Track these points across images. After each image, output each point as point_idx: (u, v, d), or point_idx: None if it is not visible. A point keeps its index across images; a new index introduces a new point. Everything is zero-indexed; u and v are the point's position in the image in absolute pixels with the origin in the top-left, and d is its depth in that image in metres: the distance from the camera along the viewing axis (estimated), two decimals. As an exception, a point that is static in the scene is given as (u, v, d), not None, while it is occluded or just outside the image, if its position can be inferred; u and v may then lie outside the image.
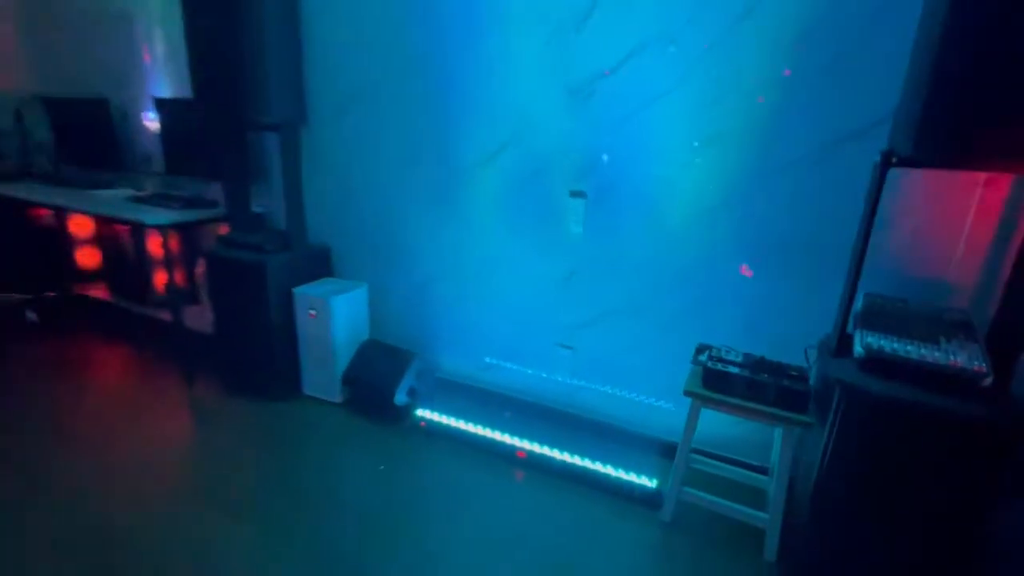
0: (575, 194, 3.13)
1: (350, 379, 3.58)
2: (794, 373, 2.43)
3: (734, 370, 2.46)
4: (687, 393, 2.51)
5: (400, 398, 3.48)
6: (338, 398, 3.66)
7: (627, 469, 2.97)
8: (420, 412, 3.47)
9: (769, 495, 2.55)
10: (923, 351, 2.07)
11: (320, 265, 3.89)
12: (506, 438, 3.22)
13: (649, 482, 2.89)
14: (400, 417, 3.49)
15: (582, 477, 3.00)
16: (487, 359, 3.63)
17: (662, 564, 2.53)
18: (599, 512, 2.81)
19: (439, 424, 3.38)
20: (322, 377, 3.64)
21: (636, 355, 3.20)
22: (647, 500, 2.85)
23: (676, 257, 2.95)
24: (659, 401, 3.18)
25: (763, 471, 2.92)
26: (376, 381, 3.50)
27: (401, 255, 3.73)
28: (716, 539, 2.63)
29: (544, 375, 3.50)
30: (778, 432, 2.65)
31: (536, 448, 3.14)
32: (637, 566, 2.52)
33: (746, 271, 2.82)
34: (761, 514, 2.53)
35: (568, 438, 3.24)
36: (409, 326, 3.84)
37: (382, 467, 3.09)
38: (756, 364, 2.49)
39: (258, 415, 3.54)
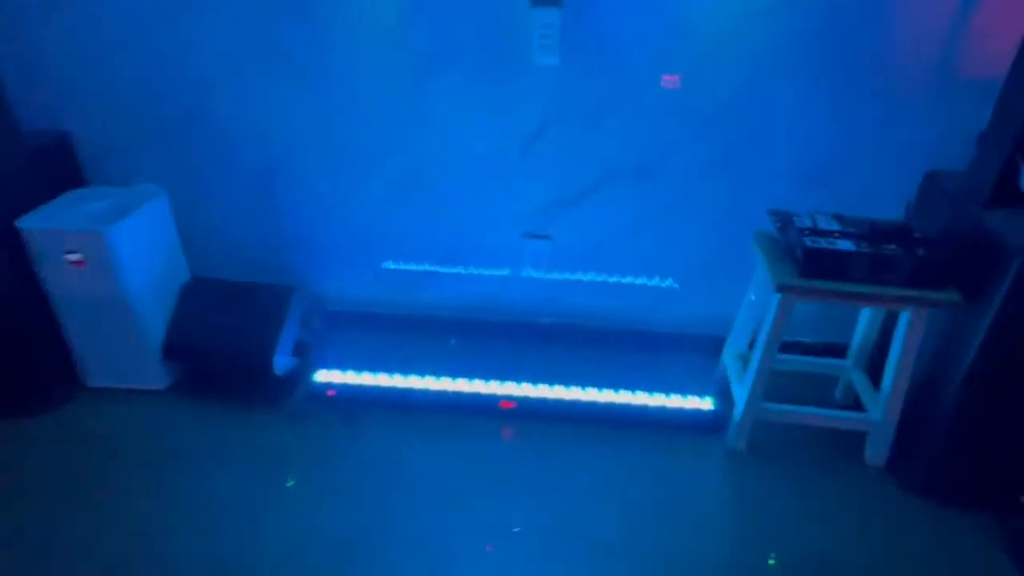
0: (539, 1, 1.91)
1: (178, 348, 2.11)
2: (920, 236, 1.68)
3: (848, 246, 1.68)
4: (781, 288, 1.70)
5: (282, 362, 2.14)
6: (161, 383, 2.17)
7: (661, 390, 2.12)
8: (321, 376, 2.20)
9: (882, 388, 1.82)
10: None
11: (54, 169, 2.16)
12: (478, 386, 2.14)
13: (701, 402, 2.10)
14: (285, 391, 2.16)
15: (605, 416, 2.08)
16: (412, 266, 2.35)
17: (747, 500, 1.84)
18: (644, 458, 1.94)
19: (359, 388, 2.15)
20: (122, 356, 2.10)
21: (643, 238, 2.24)
22: (702, 427, 2.05)
23: (703, 85, 1.95)
24: (665, 282, 2.29)
25: (821, 351, 2.23)
26: (231, 343, 2.08)
27: (218, 131, 2.17)
28: (800, 454, 1.96)
29: (507, 278, 2.37)
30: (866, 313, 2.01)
31: (525, 390, 2.11)
32: (717, 509, 1.82)
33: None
34: (865, 416, 1.90)
35: (562, 362, 2.27)
36: (257, 246, 2.40)
37: (291, 483, 1.84)
38: (870, 232, 1.70)
39: (12, 440, 1.97)
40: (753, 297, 2.04)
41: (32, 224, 1.95)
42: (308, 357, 2.28)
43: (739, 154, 2.07)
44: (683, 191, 2.15)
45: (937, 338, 1.79)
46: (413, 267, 2.39)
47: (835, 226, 1.80)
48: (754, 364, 1.90)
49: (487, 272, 2.40)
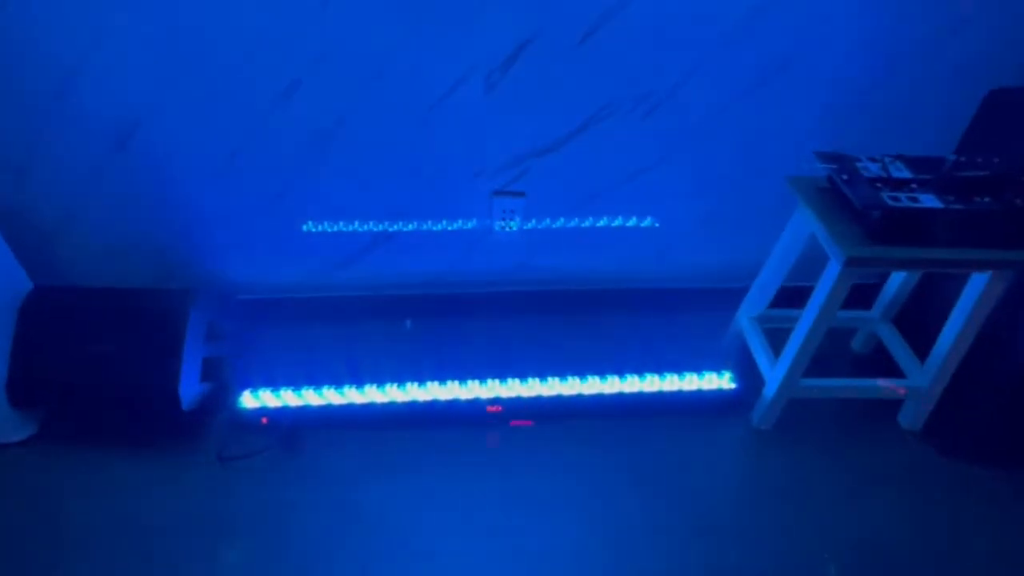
0: None
1: (30, 389, 1.43)
2: (1014, 177, 1.27)
3: (934, 202, 1.26)
4: (851, 261, 1.27)
5: (189, 392, 1.49)
6: (19, 432, 1.48)
7: (669, 363, 1.70)
8: (246, 400, 1.60)
9: (934, 352, 1.50)
10: None
11: None
12: (455, 389, 1.61)
13: (719, 379, 1.68)
14: (200, 429, 1.56)
15: (613, 408, 1.66)
16: (345, 235, 1.73)
17: (782, 485, 1.52)
18: (663, 453, 1.58)
19: (300, 411, 1.56)
20: None
21: (641, 181, 1.70)
22: (722, 408, 1.69)
23: None
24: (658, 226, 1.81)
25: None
26: (113, 377, 1.44)
27: (33, 69, 1.37)
28: (829, 425, 1.65)
29: (470, 243, 1.80)
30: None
31: (511, 389, 1.61)
32: (753, 498, 1.51)
33: None
34: (911, 382, 1.58)
35: (548, 339, 1.80)
36: (124, 234, 1.66)
37: (232, 552, 1.34)
38: (950, 178, 1.29)
39: None
40: (783, 252, 1.59)
41: None
42: (223, 378, 1.66)
43: (769, 77, 1.52)
44: (695, 125, 1.61)
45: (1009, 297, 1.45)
46: (341, 228, 1.72)
47: (906, 172, 1.36)
48: (797, 342, 1.51)
49: (443, 230, 1.76)
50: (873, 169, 1.40)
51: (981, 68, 1.56)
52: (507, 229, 1.81)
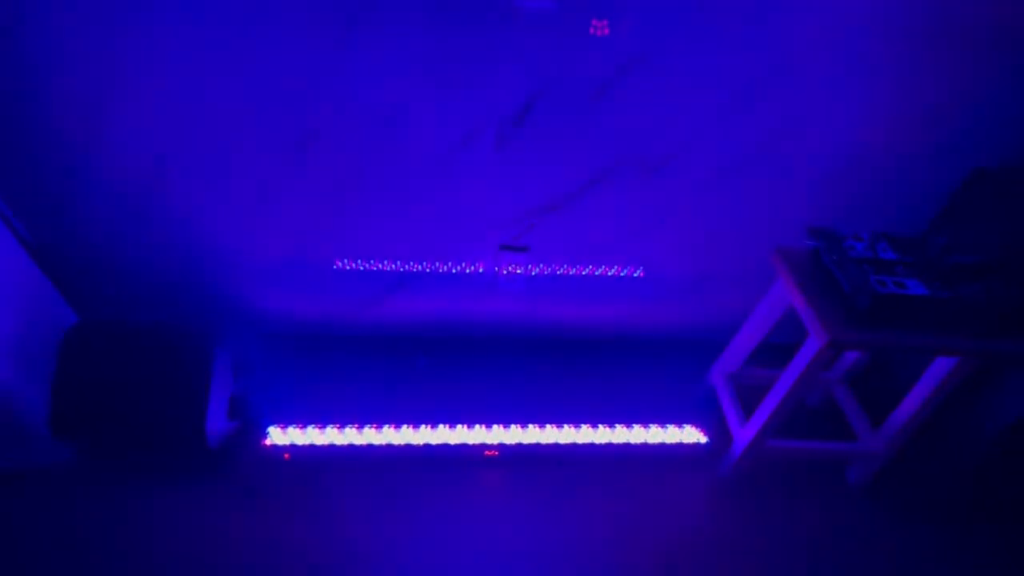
0: None
1: (68, 421, 1.36)
2: (1000, 268, 1.22)
3: (920, 289, 1.18)
4: (834, 344, 1.18)
5: (216, 428, 1.42)
6: (57, 456, 1.45)
7: (654, 420, 1.67)
8: (272, 437, 1.50)
9: (890, 422, 1.50)
10: None
11: None
12: (461, 433, 1.56)
13: (694, 433, 1.66)
14: (226, 465, 1.48)
15: (596, 456, 1.62)
16: (362, 288, 1.70)
17: (740, 532, 1.51)
18: (638, 496, 1.55)
19: (318, 450, 1.50)
20: None
21: (639, 241, 1.66)
22: (695, 460, 1.66)
23: (731, 60, 1.33)
24: (646, 281, 1.77)
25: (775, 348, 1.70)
26: (146, 411, 1.37)
27: (67, 119, 1.32)
28: (785, 477, 1.64)
29: (473, 295, 1.76)
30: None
31: (513, 436, 1.58)
32: (714, 542, 1.48)
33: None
34: (865, 446, 1.55)
35: (543, 386, 1.74)
36: (156, 270, 1.60)
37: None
38: (938, 263, 1.24)
39: None
40: (762, 317, 1.54)
41: None
42: (249, 415, 1.56)
43: (762, 148, 1.47)
44: (690, 190, 1.53)
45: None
46: (363, 268, 1.67)
47: (891, 253, 1.27)
48: (769, 406, 1.41)
49: (453, 282, 1.72)
50: (859, 248, 1.28)
51: (963, 148, 1.47)
52: (511, 279, 1.72)
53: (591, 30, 1.26)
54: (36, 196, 1.41)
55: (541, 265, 1.70)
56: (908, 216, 1.58)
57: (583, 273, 1.72)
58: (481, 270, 1.69)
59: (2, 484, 1.42)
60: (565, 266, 1.70)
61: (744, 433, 1.52)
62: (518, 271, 1.68)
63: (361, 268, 1.67)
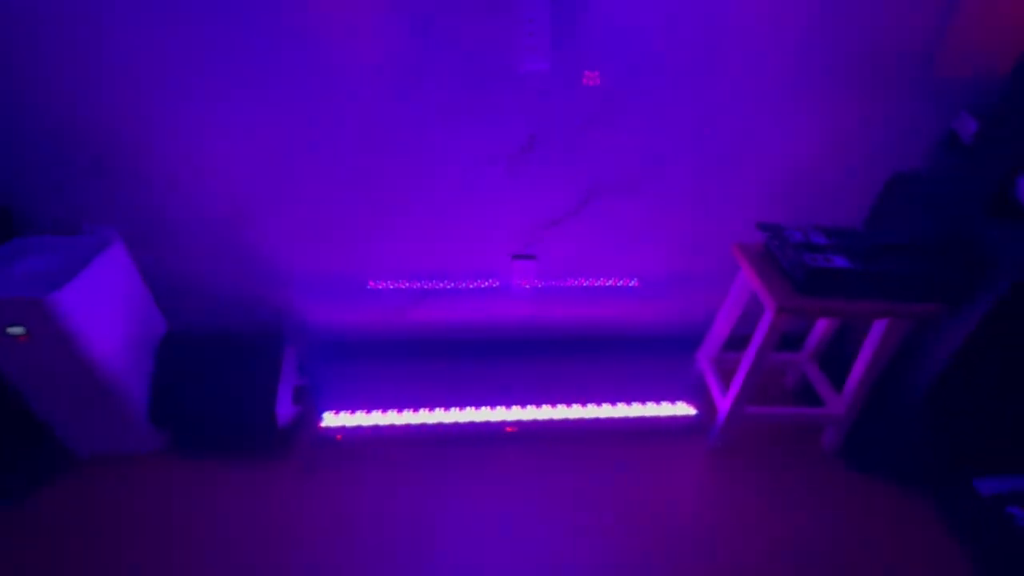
0: None
1: (166, 412, 1.66)
2: (909, 248, 1.52)
3: (844, 263, 1.47)
4: (782, 309, 1.47)
5: (283, 412, 1.72)
6: (152, 444, 1.72)
7: (647, 393, 1.93)
8: (327, 420, 1.79)
9: (847, 386, 1.75)
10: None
11: None
12: (483, 414, 1.82)
13: (684, 408, 1.91)
14: (290, 442, 1.77)
15: (603, 430, 1.87)
16: (399, 295, 2.00)
17: (728, 493, 1.73)
18: (638, 462, 1.79)
19: (364, 431, 1.78)
20: (104, 423, 1.64)
21: (628, 250, 1.96)
22: (686, 430, 1.91)
23: (686, 97, 1.66)
24: (640, 288, 2.06)
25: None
26: (224, 399, 1.66)
27: (172, 164, 1.67)
28: (767, 445, 1.87)
29: (492, 303, 2.05)
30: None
31: (528, 414, 1.84)
32: (698, 505, 1.69)
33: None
34: (828, 411, 1.79)
35: (554, 376, 1.98)
36: (233, 286, 1.91)
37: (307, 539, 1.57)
38: (859, 245, 1.53)
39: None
40: (731, 305, 1.83)
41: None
42: (309, 402, 1.86)
43: (720, 165, 1.79)
44: (666, 202, 1.85)
45: (905, 340, 1.64)
46: (395, 295, 2.00)
47: (824, 239, 1.57)
48: (741, 375, 1.67)
49: (469, 300, 2.03)
50: (797, 236, 1.57)
51: (883, 157, 1.76)
52: (521, 290, 2.02)
53: (584, 80, 1.61)
54: (147, 228, 1.76)
55: (547, 279, 2.01)
56: (849, 214, 1.88)
57: (584, 284, 2.03)
58: (496, 285, 2.01)
59: (110, 466, 1.71)
60: (568, 278, 2.02)
61: (725, 402, 1.77)
62: (526, 286, 1.98)
63: (391, 287, 1.98)
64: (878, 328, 1.60)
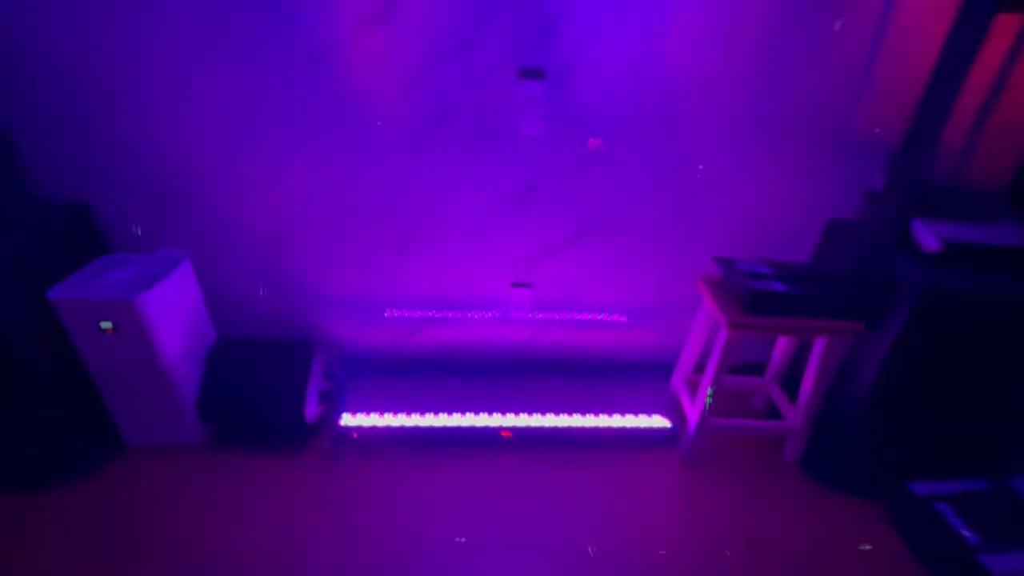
0: (527, 74, 1.87)
1: (212, 406, 1.94)
2: (834, 278, 1.82)
3: (780, 287, 1.77)
4: (732, 325, 1.76)
5: (310, 411, 1.99)
6: (197, 437, 1.99)
7: (629, 411, 2.17)
8: (345, 420, 2.05)
9: (799, 400, 1.99)
10: (997, 236, 1.67)
11: (78, 238, 1.95)
12: (482, 419, 2.08)
13: (660, 421, 2.15)
14: (310, 437, 2.03)
15: (588, 438, 2.11)
16: (412, 314, 2.30)
17: (697, 499, 1.93)
18: (616, 468, 2.02)
19: (377, 431, 2.04)
20: (158, 416, 1.93)
21: (611, 282, 2.27)
22: (661, 441, 2.13)
23: (656, 152, 2.02)
24: (622, 318, 2.35)
25: (742, 370, 2.35)
26: (262, 397, 1.94)
27: (229, 197, 2.03)
28: (734, 457, 2.09)
29: (493, 326, 2.35)
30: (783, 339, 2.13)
31: (522, 421, 2.09)
32: (672, 508, 1.91)
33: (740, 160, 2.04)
34: (786, 424, 2.03)
35: (546, 393, 2.23)
36: (273, 305, 2.23)
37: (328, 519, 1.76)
38: (795, 274, 1.83)
39: (58, 509, 1.75)
40: (698, 330, 2.10)
41: (63, 295, 1.71)
42: (331, 404, 2.12)
43: (684, 209, 2.13)
44: (639, 240, 2.17)
45: (844, 360, 1.89)
46: (409, 315, 2.29)
47: (767, 270, 1.87)
48: (704, 387, 1.92)
49: (476, 323, 2.34)
50: (746, 267, 1.87)
51: (822, 206, 2.09)
52: (520, 310, 2.31)
53: (588, 146, 1.99)
54: (208, 250, 2.11)
55: (542, 305, 2.31)
56: (799, 253, 2.20)
57: (576, 319, 2.34)
58: (497, 316, 2.32)
59: (159, 455, 1.98)
60: (560, 305, 2.32)
61: (693, 413, 2.00)
62: (524, 316, 2.29)
63: (406, 316, 2.30)
64: (819, 346, 1.87)
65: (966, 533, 1.63)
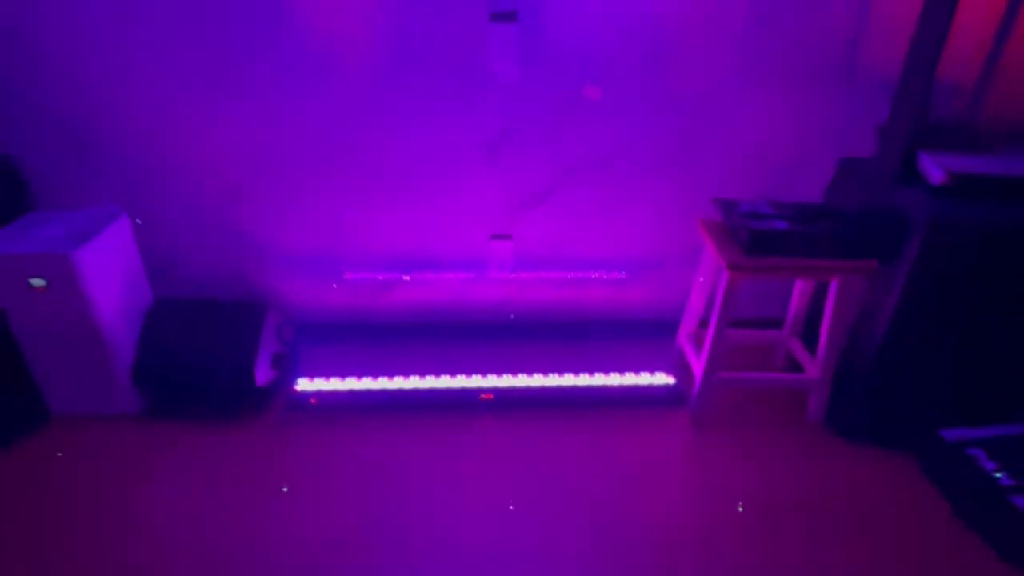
0: (499, 17, 1.68)
1: (149, 371, 1.72)
2: (839, 214, 1.67)
3: (783, 226, 1.59)
4: (732, 266, 1.57)
5: (261, 375, 1.76)
6: (131, 406, 1.76)
7: (630, 371, 1.97)
8: (302, 385, 1.85)
9: (818, 351, 1.77)
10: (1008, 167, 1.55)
11: (4, 193, 1.78)
12: (460, 381, 1.87)
13: (665, 378, 1.96)
14: (262, 404, 1.81)
15: (582, 399, 1.89)
16: (377, 274, 2.08)
17: (707, 460, 1.74)
18: (620, 431, 1.80)
19: (338, 395, 1.83)
20: (89, 382, 1.72)
21: (599, 231, 2.06)
22: (667, 400, 1.92)
23: (649, 89, 1.83)
24: (618, 272, 2.14)
25: (760, 324, 2.07)
26: (205, 359, 1.72)
27: (170, 151, 1.84)
28: (753, 416, 1.88)
29: (471, 282, 2.11)
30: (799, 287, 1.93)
31: (505, 382, 1.88)
32: (681, 471, 1.72)
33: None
34: (804, 376, 1.83)
35: (534, 355, 2.02)
36: (220, 266, 2.02)
37: (285, 488, 1.54)
38: (799, 214, 1.67)
39: None
40: (702, 279, 1.90)
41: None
42: (286, 368, 1.89)
43: (683, 150, 1.93)
44: (632, 185, 1.96)
45: (860, 305, 1.70)
46: (374, 274, 2.07)
47: (770, 210, 1.69)
48: (709, 339, 1.73)
49: (449, 280, 2.11)
50: (747, 208, 1.69)
51: (834, 145, 1.92)
52: (502, 267, 2.10)
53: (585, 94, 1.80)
54: (144, 205, 1.90)
55: (524, 260, 2.09)
56: (809, 195, 1.97)
57: (557, 268, 2.12)
58: (474, 276, 2.10)
59: (91, 425, 1.76)
60: (544, 260, 2.12)
61: (699, 366, 1.81)
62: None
63: (370, 276, 2.08)
64: (833, 289, 1.68)
65: (999, 475, 1.52)
